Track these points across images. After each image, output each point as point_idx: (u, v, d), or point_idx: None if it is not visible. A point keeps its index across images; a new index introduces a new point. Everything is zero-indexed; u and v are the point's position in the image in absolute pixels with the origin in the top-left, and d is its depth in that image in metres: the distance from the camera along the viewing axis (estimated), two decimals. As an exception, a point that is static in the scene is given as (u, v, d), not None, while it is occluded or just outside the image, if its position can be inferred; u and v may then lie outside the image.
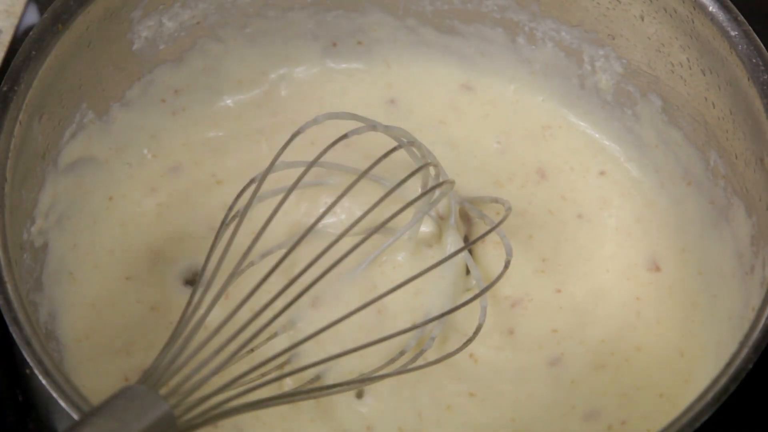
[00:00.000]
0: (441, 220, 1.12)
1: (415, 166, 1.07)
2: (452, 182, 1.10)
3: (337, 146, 1.03)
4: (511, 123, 1.21)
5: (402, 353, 1.07)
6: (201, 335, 0.92)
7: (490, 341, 1.10)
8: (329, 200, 1.12)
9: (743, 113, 1.05)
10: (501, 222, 1.10)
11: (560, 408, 1.07)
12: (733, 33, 1.04)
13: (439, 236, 1.12)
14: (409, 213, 1.06)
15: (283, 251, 1.01)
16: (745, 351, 0.93)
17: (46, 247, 1.09)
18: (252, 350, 1.02)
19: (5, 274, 0.95)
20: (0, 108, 1.00)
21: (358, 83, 1.22)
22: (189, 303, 0.94)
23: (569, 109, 1.21)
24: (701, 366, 1.08)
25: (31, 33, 1.04)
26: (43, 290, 1.08)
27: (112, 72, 1.13)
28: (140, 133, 1.17)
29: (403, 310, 1.09)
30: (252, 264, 1.09)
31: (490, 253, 1.13)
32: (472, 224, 1.16)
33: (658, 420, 1.02)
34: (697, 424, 0.90)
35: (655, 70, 1.13)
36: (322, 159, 1.03)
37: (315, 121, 1.05)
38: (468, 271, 1.12)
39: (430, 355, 1.08)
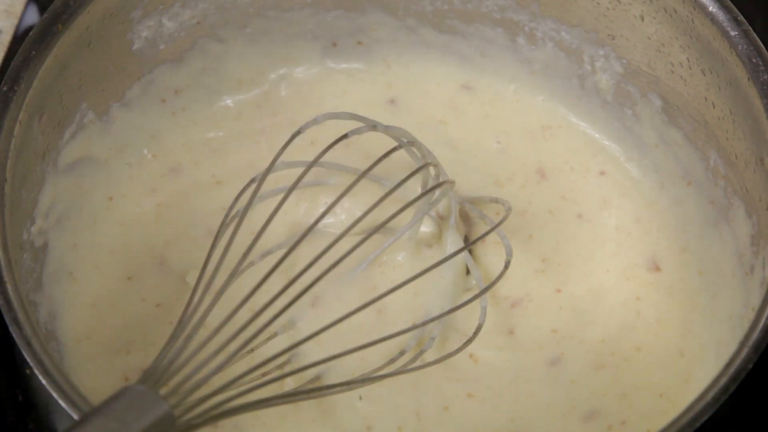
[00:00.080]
0: (441, 220, 1.12)
1: (415, 167, 1.07)
2: (452, 182, 1.10)
3: (337, 146, 1.03)
4: (511, 123, 1.21)
5: (402, 353, 1.07)
6: (201, 335, 0.92)
7: (490, 341, 1.10)
8: (329, 200, 1.12)
9: (743, 113, 1.05)
10: (501, 222, 1.10)
11: (560, 408, 1.07)
12: (733, 33, 1.04)
13: (439, 236, 1.12)
14: (409, 213, 1.06)
15: (283, 251, 1.01)
16: (745, 351, 0.93)
17: (46, 247, 1.09)
18: (252, 350, 1.02)
19: (5, 274, 0.95)
20: (0, 108, 1.00)
21: (358, 83, 1.22)
22: (189, 303, 0.94)
23: (569, 109, 1.21)
24: (701, 366, 1.08)
25: (31, 33, 1.04)
26: (43, 290, 1.08)
27: (112, 72, 1.13)
28: (140, 133, 1.17)
29: (403, 310, 1.09)
30: (252, 264, 1.09)
31: (490, 253, 1.13)
32: (472, 224, 1.15)
33: (658, 420, 1.02)
34: (697, 424, 0.90)
35: (655, 70, 1.13)
36: (322, 159, 1.02)
37: (315, 121, 1.05)
38: (468, 271, 1.12)
39: (430, 355, 1.08)
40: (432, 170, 1.09)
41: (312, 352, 1.06)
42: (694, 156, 1.13)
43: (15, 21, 1.28)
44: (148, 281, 1.12)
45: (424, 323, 1.06)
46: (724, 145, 1.09)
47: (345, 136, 1.04)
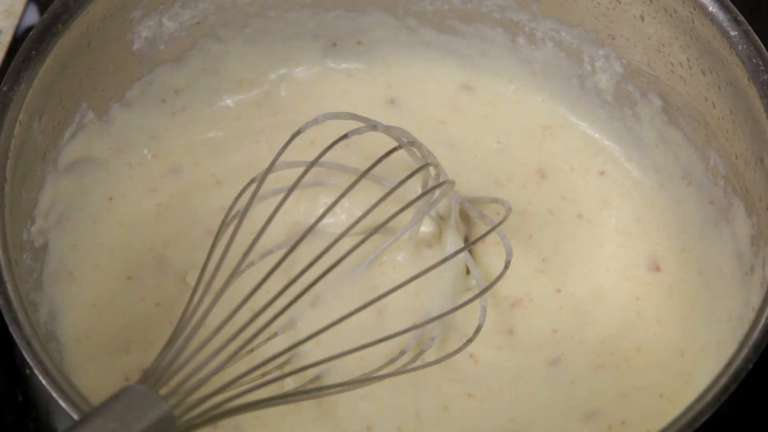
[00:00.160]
0: (441, 221, 1.12)
1: (416, 167, 1.07)
2: (452, 182, 1.10)
3: (337, 146, 1.03)
4: (511, 123, 1.21)
5: (402, 353, 1.07)
6: (201, 335, 0.92)
7: (490, 341, 1.10)
8: (329, 200, 1.12)
9: (743, 113, 1.05)
10: (501, 222, 1.10)
11: (560, 408, 1.07)
12: (733, 33, 1.04)
13: (439, 236, 1.12)
14: (409, 213, 1.06)
15: (283, 251, 1.01)
16: (745, 351, 0.93)
17: (46, 247, 1.09)
18: (252, 350, 1.02)
19: (5, 274, 0.95)
20: (0, 108, 1.00)
21: (358, 83, 1.22)
22: (189, 303, 0.94)
23: (569, 109, 1.21)
24: (701, 366, 1.08)
25: (31, 33, 1.04)
26: (43, 290, 1.08)
27: (112, 72, 1.13)
28: (140, 133, 1.17)
29: (403, 310, 1.09)
30: (252, 264, 1.09)
31: (491, 253, 1.13)
32: (472, 224, 1.15)
33: (658, 420, 1.02)
34: (697, 424, 0.90)
35: (655, 70, 1.13)
36: (322, 159, 1.02)
37: (315, 121, 1.05)
38: (468, 271, 1.12)
39: (430, 355, 1.08)
40: (432, 170, 1.09)
41: (312, 352, 1.06)
42: (694, 156, 1.13)
43: (15, 21, 1.29)
44: (147, 281, 1.12)
45: (424, 323, 1.06)
46: (724, 145, 1.09)
47: (345, 136, 1.04)
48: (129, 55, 1.14)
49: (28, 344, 0.93)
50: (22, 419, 1.11)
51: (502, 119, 1.21)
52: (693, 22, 1.07)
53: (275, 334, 1.06)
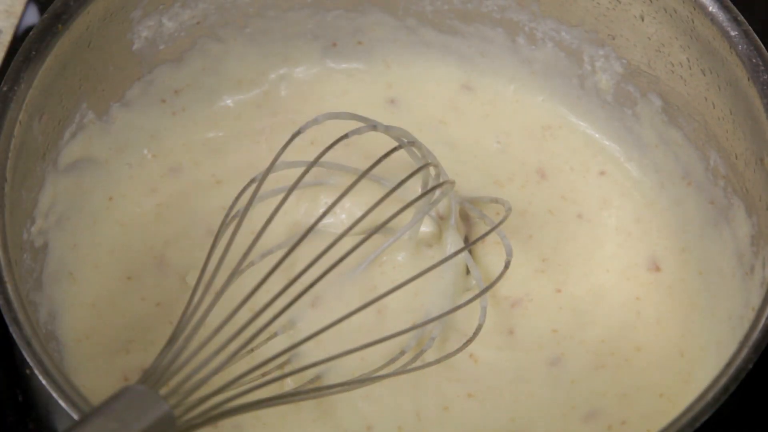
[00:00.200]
0: (441, 221, 1.12)
1: (416, 167, 1.07)
2: (452, 182, 1.10)
3: (337, 146, 1.03)
4: (511, 123, 1.21)
5: (402, 353, 1.07)
6: (201, 335, 0.92)
7: (490, 341, 1.10)
8: (329, 200, 1.12)
9: (743, 113, 1.05)
10: (501, 222, 1.10)
11: (560, 408, 1.07)
12: (733, 33, 1.04)
13: (439, 236, 1.12)
14: (409, 213, 1.06)
15: (284, 251, 1.01)
16: (745, 351, 0.93)
17: (46, 247, 1.09)
18: (252, 350, 1.02)
19: (5, 274, 0.95)
20: (0, 108, 1.00)
21: (358, 83, 1.22)
22: (189, 303, 0.94)
23: (569, 109, 1.21)
24: (701, 366, 1.08)
25: (31, 33, 1.04)
26: (43, 290, 1.08)
27: (112, 72, 1.13)
28: (140, 133, 1.17)
29: (403, 310, 1.09)
30: (252, 264, 1.09)
31: (491, 253, 1.13)
32: (472, 224, 1.15)
33: (658, 420, 1.02)
34: (697, 424, 0.90)
35: (655, 70, 1.13)
36: (322, 159, 1.03)
37: (315, 121, 1.05)
38: (468, 271, 1.12)
39: (430, 355, 1.08)
40: (432, 170, 1.09)
41: (312, 352, 1.06)
42: (694, 156, 1.13)
43: (15, 21, 1.29)
44: (147, 281, 1.12)
45: (424, 323, 1.06)
46: (724, 145, 1.09)
47: (345, 136, 1.04)
48: (129, 55, 1.14)
49: (28, 344, 0.93)
50: (22, 419, 1.11)
51: (502, 119, 1.21)
52: (693, 22, 1.07)
53: (275, 334, 1.06)
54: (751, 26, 1.04)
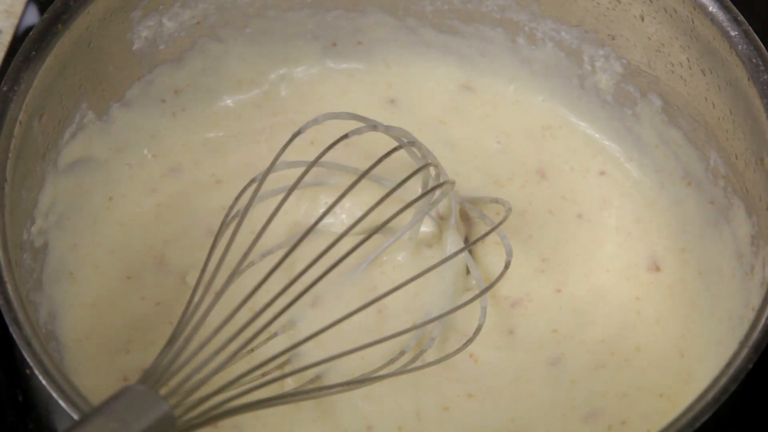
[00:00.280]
0: (441, 221, 1.12)
1: (416, 167, 1.07)
2: (453, 182, 1.10)
3: (337, 146, 1.03)
4: (511, 123, 1.21)
5: (402, 353, 1.07)
6: (201, 335, 0.92)
7: (490, 341, 1.10)
8: (329, 200, 1.12)
9: (743, 113, 1.05)
10: (501, 223, 1.10)
11: (560, 408, 1.07)
12: (733, 33, 1.04)
13: (439, 236, 1.12)
14: (409, 213, 1.06)
15: (284, 251, 1.01)
16: (745, 351, 0.93)
17: (46, 247, 1.09)
18: (252, 350, 1.02)
19: (5, 274, 0.95)
20: (0, 108, 1.00)
21: (358, 83, 1.22)
22: (189, 303, 0.94)
23: (569, 109, 1.21)
24: (701, 366, 1.08)
25: (31, 33, 1.04)
26: (43, 290, 1.08)
27: (112, 72, 1.13)
28: (140, 133, 1.17)
29: (403, 310, 1.09)
30: (252, 264, 1.09)
31: (491, 253, 1.13)
32: (472, 224, 1.15)
33: (658, 420, 1.02)
34: (697, 424, 0.90)
35: (655, 70, 1.13)
36: (322, 159, 1.03)
37: (315, 121, 1.05)
38: (468, 271, 1.12)
39: (430, 355, 1.08)
40: (432, 170, 1.09)
41: (312, 352, 1.06)
42: (694, 156, 1.13)
43: (15, 21, 1.28)
44: (147, 280, 1.12)
45: (425, 323, 1.06)
46: (724, 145, 1.09)
47: (345, 136, 1.04)
48: (129, 55, 1.14)
49: (28, 344, 0.93)
50: (22, 419, 1.11)
51: (502, 119, 1.21)
52: (693, 22, 1.07)
53: (275, 334, 1.06)
54: (751, 26, 1.04)
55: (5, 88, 1.01)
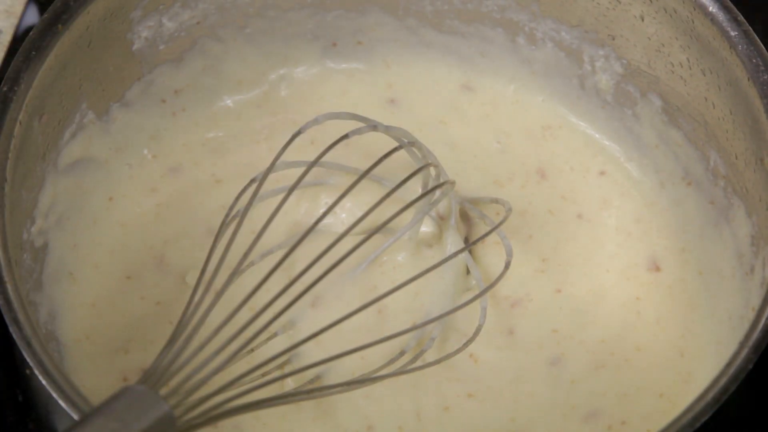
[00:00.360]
0: (441, 221, 1.12)
1: (416, 167, 1.07)
2: (453, 183, 1.10)
3: (337, 146, 1.03)
4: (511, 123, 1.21)
5: (402, 353, 1.07)
6: (201, 335, 0.92)
7: (490, 341, 1.09)
8: (329, 200, 1.12)
9: (743, 113, 1.05)
10: (501, 223, 1.10)
11: (560, 408, 1.07)
12: (733, 33, 1.04)
13: (439, 236, 1.12)
14: (409, 213, 1.06)
15: (284, 251, 1.01)
16: (745, 351, 0.93)
17: (46, 247, 1.09)
18: (252, 350, 1.02)
19: (5, 274, 0.95)
20: (0, 108, 1.00)
21: (358, 83, 1.22)
22: (189, 303, 0.94)
23: (569, 109, 1.21)
24: (701, 366, 1.08)
25: (31, 33, 1.04)
26: (43, 290, 1.08)
27: (112, 72, 1.13)
28: (140, 133, 1.17)
29: (403, 310, 1.09)
30: (252, 264, 1.09)
31: (490, 253, 1.13)
32: (472, 224, 1.15)
33: (658, 420, 1.02)
34: (697, 424, 0.90)
35: (655, 70, 1.13)
36: (322, 159, 1.03)
37: (316, 121, 1.05)
38: (468, 272, 1.12)
39: (430, 355, 1.08)
40: (432, 170, 1.09)
41: (312, 352, 1.06)
42: (694, 156, 1.13)
43: (15, 21, 1.28)
44: (147, 280, 1.12)
45: (425, 323, 1.06)
46: (724, 145, 1.09)
47: (346, 136, 1.04)
48: (129, 55, 1.14)
49: (28, 344, 0.93)
50: (22, 419, 1.11)
51: (502, 119, 1.21)
52: (693, 22, 1.07)
53: (275, 334, 1.06)
54: (751, 26, 1.04)
55: (5, 88, 1.01)
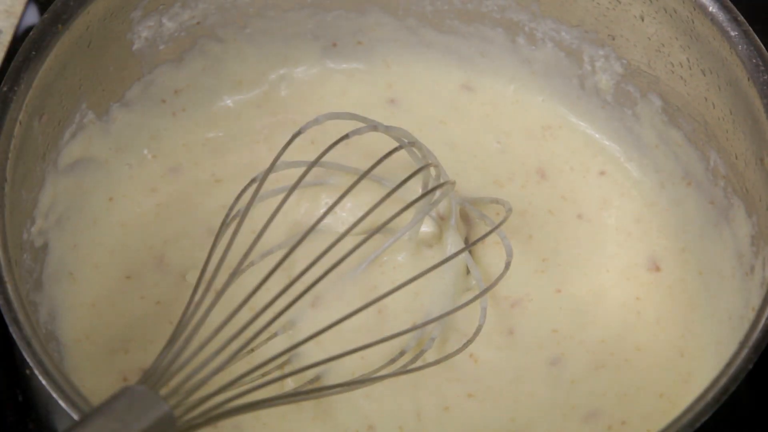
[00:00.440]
0: (441, 221, 1.12)
1: (416, 167, 1.07)
2: (453, 183, 1.10)
3: (337, 146, 1.03)
4: (511, 123, 1.21)
5: (402, 353, 1.07)
6: (201, 335, 0.92)
7: (490, 341, 1.09)
8: (330, 200, 1.12)
9: (743, 113, 1.05)
10: (501, 223, 1.10)
11: (560, 408, 1.07)
12: (733, 33, 1.04)
13: (439, 237, 1.12)
14: (409, 213, 1.06)
15: (284, 251, 1.01)
16: (745, 351, 0.93)
17: (46, 247, 1.09)
18: (252, 350, 1.02)
19: (5, 274, 0.95)
20: (0, 108, 1.00)
21: (358, 83, 1.22)
22: (189, 303, 0.94)
23: (569, 109, 1.21)
24: (701, 366, 1.08)
25: (31, 33, 1.04)
26: (43, 290, 1.08)
27: (112, 72, 1.13)
28: (140, 133, 1.17)
29: (403, 310, 1.09)
30: (252, 264, 1.09)
31: (490, 253, 1.13)
32: (472, 225, 1.15)
33: (658, 420, 1.02)
34: (697, 424, 0.90)
35: (655, 70, 1.13)
36: (322, 159, 1.03)
37: (316, 122, 1.05)
38: (468, 272, 1.12)
39: (430, 355, 1.08)
40: (433, 171, 1.09)
41: (312, 352, 1.06)
42: (694, 156, 1.13)
43: (15, 21, 1.28)
44: (147, 280, 1.12)
45: (425, 324, 1.06)
46: (724, 145, 1.09)
47: (346, 137, 1.04)
48: (129, 55, 1.14)
49: (28, 344, 0.93)
50: (22, 419, 1.11)
51: (502, 119, 1.21)
52: (693, 22, 1.07)
53: (275, 334, 1.06)
54: (751, 26, 1.04)
55: (5, 88, 1.01)
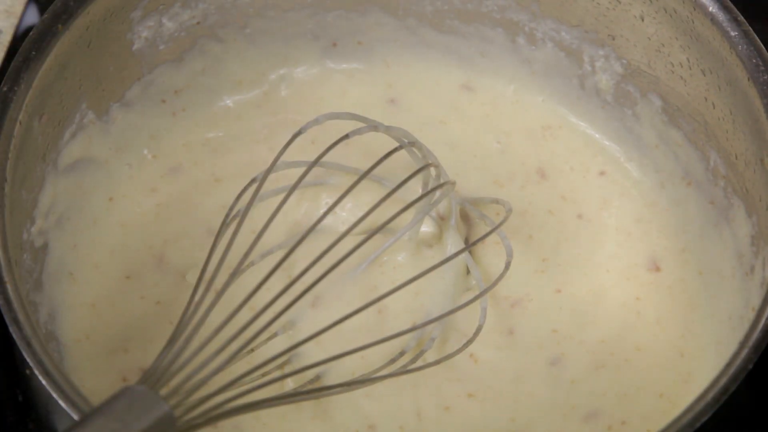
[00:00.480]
0: (441, 221, 1.12)
1: (416, 167, 1.07)
2: (453, 183, 1.10)
3: (337, 146, 1.03)
4: (511, 123, 1.21)
5: (402, 353, 1.07)
6: (201, 335, 0.92)
7: (490, 341, 1.10)
8: (330, 200, 1.12)
9: (743, 113, 1.05)
10: (501, 223, 1.10)
11: (560, 408, 1.07)
12: (733, 33, 1.04)
13: (439, 237, 1.12)
14: (409, 213, 1.06)
15: (284, 251, 1.01)
16: (745, 351, 0.93)
17: (46, 247, 1.09)
18: (252, 350, 1.02)
19: (5, 274, 0.95)
20: (0, 108, 1.00)
21: (358, 83, 1.22)
22: (189, 303, 0.94)
23: (569, 109, 1.21)
24: (701, 366, 1.08)
25: (31, 33, 1.04)
26: (43, 290, 1.08)
27: (112, 72, 1.13)
28: (140, 133, 1.17)
29: (403, 310, 1.09)
30: (252, 264, 1.09)
31: (490, 253, 1.13)
32: (472, 225, 1.15)
33: (658, 420, 1.02)
34: (697, 424, 0.90)
35: (655, 70, 1.13)
36: (323, 159, 1.03)
37: (316, 122, 1.05)
38: (468, 272, 1.12)
39: (431, 355, 1.08)
40: (433, 171, 1.09)
41: (312, 352, 1.06)
42: (694, 156, 1.13)
43: (15, 21, 1.28)
44: (147, 280, 1.12)
45: (425, 324, 1.06)
46: (724, 145, 1.09)
47: (346, 137, 1.04)
48: (129, 55, 1.14)
49: (28, 344, 0.93)
50: (22, 419, 1.11)
51: (502, 119, 1.21)
52: (693, 22, 1.07)
53: (275, 334, 1.06)
54: (751, 26, 1.04)
55: (5, 88, 1.01)
